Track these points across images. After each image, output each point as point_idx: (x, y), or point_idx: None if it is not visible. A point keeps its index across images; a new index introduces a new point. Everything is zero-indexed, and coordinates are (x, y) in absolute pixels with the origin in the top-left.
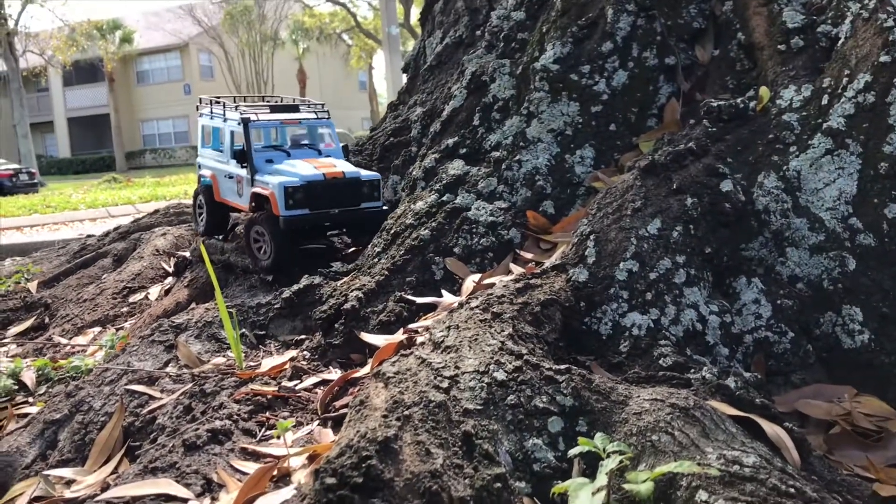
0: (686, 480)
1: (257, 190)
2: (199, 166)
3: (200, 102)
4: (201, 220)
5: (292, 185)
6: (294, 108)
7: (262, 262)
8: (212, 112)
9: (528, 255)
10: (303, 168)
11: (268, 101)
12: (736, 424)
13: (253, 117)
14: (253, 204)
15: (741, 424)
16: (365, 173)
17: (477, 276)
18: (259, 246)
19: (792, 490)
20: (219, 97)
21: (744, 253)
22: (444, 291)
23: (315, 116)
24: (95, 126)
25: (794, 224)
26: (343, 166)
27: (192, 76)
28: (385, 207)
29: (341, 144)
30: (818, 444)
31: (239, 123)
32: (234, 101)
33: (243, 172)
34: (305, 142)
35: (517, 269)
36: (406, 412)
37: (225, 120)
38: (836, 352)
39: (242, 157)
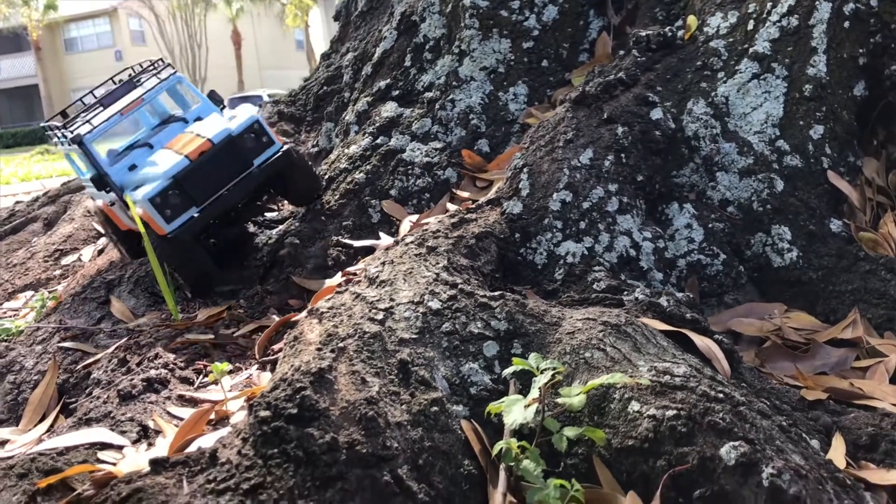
0: (619, 393)
1: (132, 213)
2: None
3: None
4: (124, 250)
5: (158, 192)
6: (131, 85)
7: (186, 289)
8: (55, 135)
9: (465, 194)
10: (163, 161)
11: (118, 79)
12: (667, 339)
13: (85, 129)
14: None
15: (672, 339)
16: (237, 124)
17: (414, 217)
18: (171, 269)
19: (721, 395)
20: (64, 110)
21: (675, 179)
22: (381, 234)
23: (158, 82)
24: (24, 97)
25: (723, 149)
26: (210, 129)
27: (122, 42)
28: (285, 147)
29: (212, 91)
30: (750, 358)
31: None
32: (80, 108)
33: (114, 196)
34: (172, 114)
35: (454, 208)
36: (340, 344)
37: (64, 143)
38: (766, 271)
39: (101, 181)
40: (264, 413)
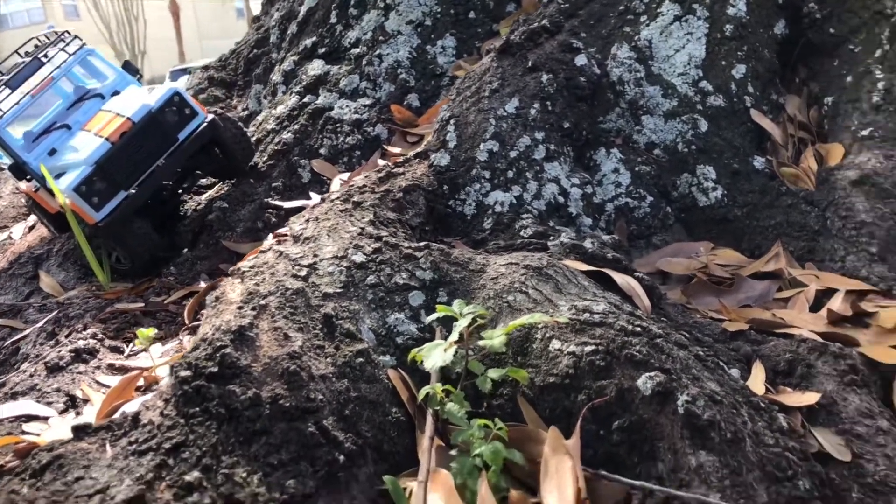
0: (541, 333)
1: (59, 201)
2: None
3: None
4: (53, 228)
5: (82, 181)
6: (38, 63)
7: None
8: None
9: (396, 150)
10: (84, 145)
11: (23, 51)
12: (588, 279)
13: None
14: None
15: (595, 279)
16: (156, 98)
17: (345, 175)
18: (115, 255)
19: (638, 329)
20: None
21: (602, 125)
22: (311, 193)
23: (67, 56)
24: None
25: (647, 92)
26: (129, 107)
27: (55, 17)
28: (209, 116)
29: (126, 62)
30: (677, 296)
31: None
32: None
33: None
34: (88, 89)
35: (384, 164)
36: (262, 302)
37: None
38: (693, 211)
39: (19, 171)
40: (185, 373)
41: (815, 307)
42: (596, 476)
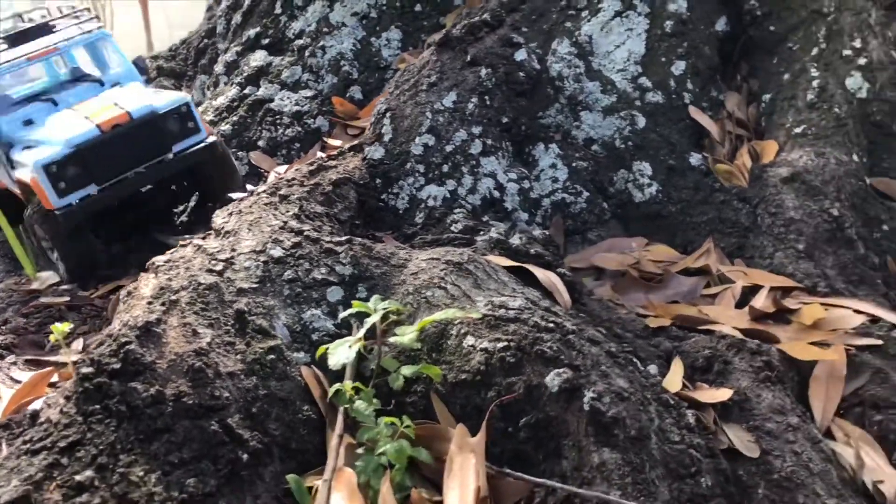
0: (456, 329)
1: (17, 175)
2: None
3: None
4: None
5: (55, 160)
6: (46, 29)
7: (59, 270)
8: None
9: (337, 142)
10: (69, 125)
11: (28, 17)
12: (510, 275)
13: None
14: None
15: (517, 275)
16: (166, 100)
17: (283, 168)
18: (49, 247)
19: (552, 325)
20: None
21: (541, 121)
22: (248, 186)
23: (81, 33)
24: None
25: (587, 88)
26: (131, 101)
27: None
28: (211, 138)
29: (138, 58)
30: (608, 292)
31: None
32: None
33: None
34: (86, 73)
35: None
36: (173, 297)
37: None
38: (629, 207)
39: None
40: (87, 370)
41: (742, 303)
42: (500, 474)
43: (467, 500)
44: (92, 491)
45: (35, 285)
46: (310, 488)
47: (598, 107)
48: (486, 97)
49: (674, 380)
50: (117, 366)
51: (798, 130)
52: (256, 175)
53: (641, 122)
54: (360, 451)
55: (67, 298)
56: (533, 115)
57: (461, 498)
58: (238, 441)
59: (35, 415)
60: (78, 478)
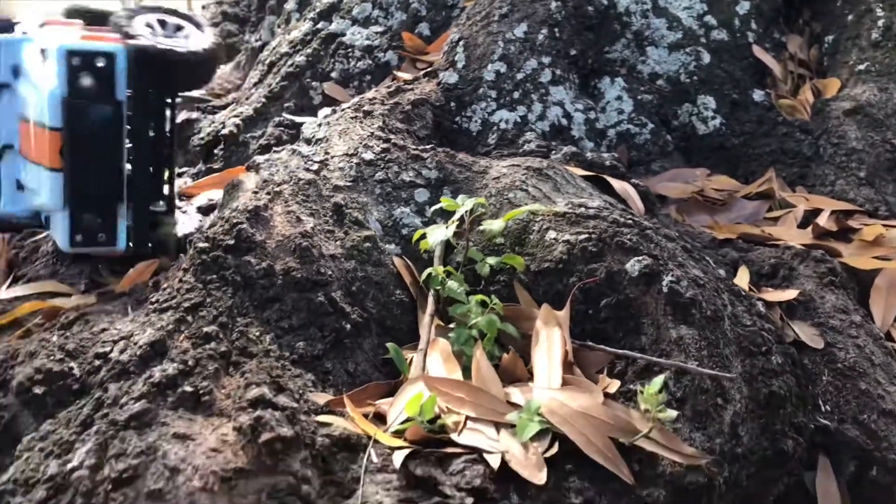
0: (538, 225)
1: None
2: None
3: None
4: None
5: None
6: None
7: None
8: None
9: (406, 76)
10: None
11: None
12: (586, 182)
13: None
14: None
15: (592, 184)
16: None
17: (356, 99)
18: None
19: (630, 221)
20: None
21: (607, 55)
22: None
23: None
24: None
25: (653, 24)
26: (40, 105)
27: None
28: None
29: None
30: (673, 214)
31: None
32: None
33: None
34: None
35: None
36: (276, 189)
37: None
38: (692, 139)
39: None
40: (203, 245)
41: (804, 226)
42: (582, 346)
43: (555, 365)
44: (217, 341)
45: None
46: (405, 359)
47: (664, 43)
48: (556, 29)
49: (740, 283)
50: (231, 242)
51: (861, 68)
52: (330, 105)
53: (706, 58)
54: (451, 326)
55: None
56: (599, 49)
57: (549, 362)
58: (341, 313)
59: (156, 283)
60: (205, 329)
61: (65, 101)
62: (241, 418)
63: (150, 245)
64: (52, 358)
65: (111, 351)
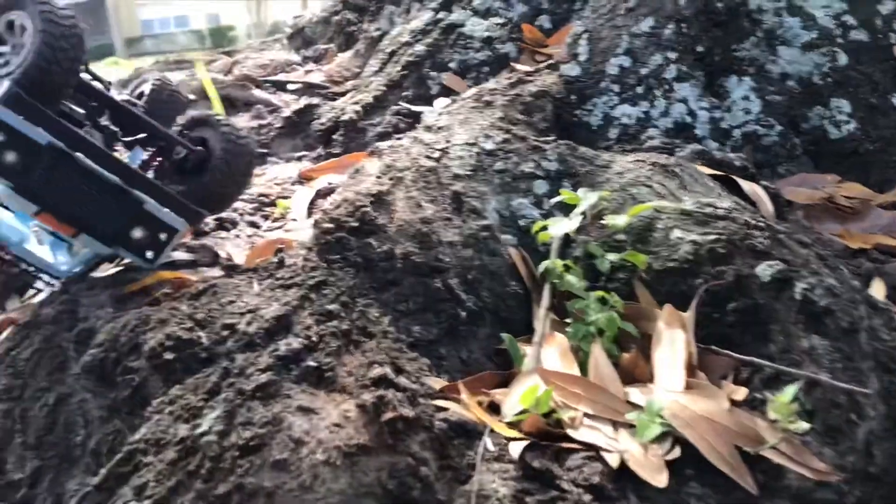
0: (662, 223)
1: None
2: None
3: None
4: None
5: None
6: None
7: None
8: None
9: (524, 68)
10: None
11: None
12: (714, 181)
13: None
14: None
15: (720, 183)
16: None
17: (476, 89)
18: None
19: (762, 224)
20: None
21: (735, 53)
22: (441, 99)
23: None
24: (91, 13)
25: (786, 23)
26: None
27: None
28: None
29: None
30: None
31: None
32: None
33: None
34: None
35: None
36: (398, 174)
37: None
38: (822, 144)
39: None
40: (327, 225)
41: None
42: (706, 350)
43: (678, 367)
44: (339, 319)
45: None
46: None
47: (798, 42)
48: (683, 25)
49: (877, 295)
50: (354, 224)
51: None
52: (447, 95)
53: (843, 59)
54: (566, 320)
55: (279, 190)
56: (727, 47)
57: (672, 364)
58: (457, 300)
59: (281, 261)
60: (328, 307)
61: (16, 189)
62: (364, 396)
63: (196, 210)
64: (182, 326)
65: (238, 323)
